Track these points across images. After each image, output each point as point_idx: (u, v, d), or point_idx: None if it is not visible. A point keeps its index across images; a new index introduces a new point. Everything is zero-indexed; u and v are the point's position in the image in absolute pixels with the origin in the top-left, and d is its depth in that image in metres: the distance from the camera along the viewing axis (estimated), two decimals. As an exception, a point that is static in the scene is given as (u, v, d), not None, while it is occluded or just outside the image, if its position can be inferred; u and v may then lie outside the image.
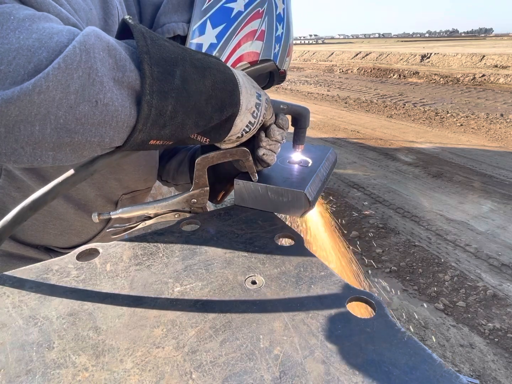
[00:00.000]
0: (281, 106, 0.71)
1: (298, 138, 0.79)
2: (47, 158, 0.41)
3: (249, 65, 0.73)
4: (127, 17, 0.45)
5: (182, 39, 0.68)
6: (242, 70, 0.72)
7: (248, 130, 0.60)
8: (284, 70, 0.82)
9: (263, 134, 0.69)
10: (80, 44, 0.38)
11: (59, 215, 0.76)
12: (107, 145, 0.44)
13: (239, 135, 0.60)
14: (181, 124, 0.47)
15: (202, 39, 0.66)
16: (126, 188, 0.85)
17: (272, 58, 0.76)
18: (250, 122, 0.59)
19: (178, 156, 0.98)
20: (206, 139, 0.55)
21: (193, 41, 0.67)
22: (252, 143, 0.69)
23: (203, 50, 0.67)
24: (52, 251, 0.82)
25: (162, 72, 0.43)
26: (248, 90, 0.57)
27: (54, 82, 0.37)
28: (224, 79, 0.52)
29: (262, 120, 0.62)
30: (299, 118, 0.76)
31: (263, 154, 0.69)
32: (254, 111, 0.58)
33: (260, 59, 0.74)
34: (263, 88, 0.85)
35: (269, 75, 0.82)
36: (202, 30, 0.66)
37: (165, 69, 0.44)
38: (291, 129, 0.78)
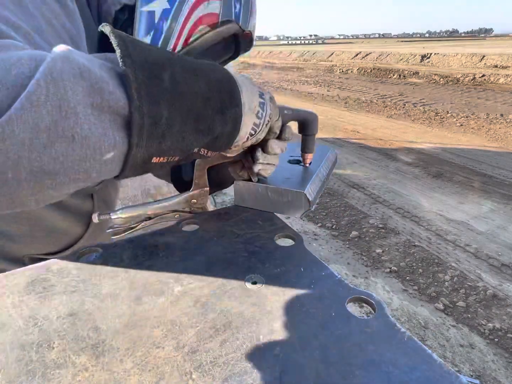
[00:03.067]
0: (285, 112, 0.66)
1: (306, 145, 0.74)
2: (29, 202, 0.38)
3: (209, 28, 0.67)
4: (103, 25, 0.41)
5: (131, 10, 0.62)
6: (202, 34, 0.67)
7: (254, 132, 0.54)
8: (249, 31, 0.75)
9: (259, 152, 0.62)
10: (45, 76, 0.33)
11: (41, 217, 0.72)
12: (96, 179, 0.40)
13: (245, 139, 0.54)
14: (181, 132, 0.42)
15: (153, 5, 0.61)
16: None
17: (233, 18, 0.70)
18: (255, 124, 0.53)
19: None
20: (214, 153, 0.51)
21: (143, 9, 0.61)
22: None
23: (156, 18, 0.62)
24: (35, 261, 0.76)
25: (148, 76, 0.39)
26: (248, 89, 0.52)
27: (19, 124, 0.32)
28: (220, 78, 0.48)
29: (268, 121, 0.56)
30: (307, 124, 0.71)
31: (260, 169, 0.64)
32: (258, 111, 0.53)
33: (220, 20, 0.68)
34: (231, 58, 0.80)
35: (234, 40, 0.76)
36: None
37: (151, 72, 0.40)
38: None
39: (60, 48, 0.36)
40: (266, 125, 0.57)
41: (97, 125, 0.36)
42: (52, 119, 0.33)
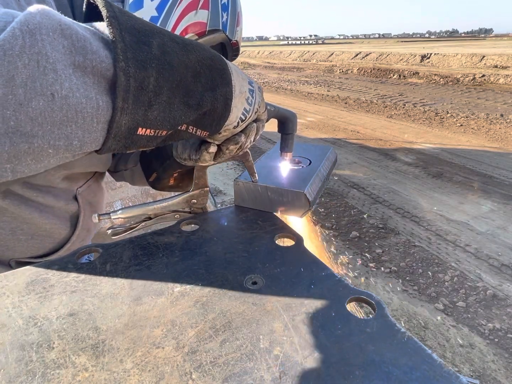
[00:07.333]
0: (268, 108, 0.66)
1: (285, 144, 0.73)
2: (4, 172, 0.34)
3: (197, 37, 0.69)
4: None
5: None
6: None
7: (244, 118, 0.53)
8: (236, 41, 0.77)
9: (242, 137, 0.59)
10: (21, 25, 0.31)
11: (25, 220, 0.70)
12: (78, 150, 0.37)
13: (235, 124, 0.53)
14: (169, 103, 0.40)
15: (141, 13, 0.61)
16: (77, 183, 0.78)
17: (221, 28, 0.71)
18: (245, 109, 0.52)
19: None
20: (204, 133, 0.49)
21: None
22: None
23: None
24: (22, 264, 0.74)
25: (136, 41, 0.37)
26: (239, 73, 0.51)
27: None
28: (211, 57, 0.46)
29: (257, 109, 0.56)
30: (286, 123, 0.70)
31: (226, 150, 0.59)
32: (248, 97, 0.52)
33: (208, 29, 0.69)
34: None
35: (221, 49, 0.77)
36: (139, 4, 0.61)
37: (139, 38, 0.37)
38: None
39: (39, 5, 0.34)
40: (255, 113, 0.56)
41: (79, 86, 0.34)
42: (29, 74, 0.31)
